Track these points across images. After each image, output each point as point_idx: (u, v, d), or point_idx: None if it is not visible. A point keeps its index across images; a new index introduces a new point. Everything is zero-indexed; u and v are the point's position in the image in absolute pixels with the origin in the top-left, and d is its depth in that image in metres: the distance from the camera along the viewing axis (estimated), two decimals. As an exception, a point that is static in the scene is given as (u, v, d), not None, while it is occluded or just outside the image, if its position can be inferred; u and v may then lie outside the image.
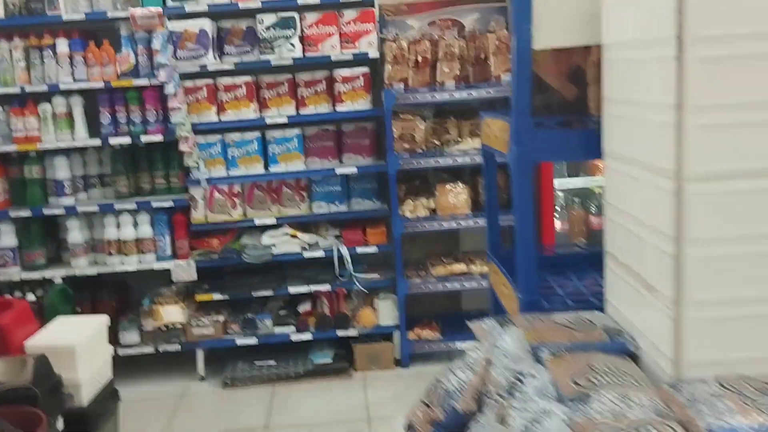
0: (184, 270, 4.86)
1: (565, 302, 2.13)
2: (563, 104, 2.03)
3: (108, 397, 3.70)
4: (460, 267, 4.94)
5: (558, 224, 4.98)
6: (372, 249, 4.98)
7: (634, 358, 1.69)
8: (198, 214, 4.93)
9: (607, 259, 1.91)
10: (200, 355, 4.92)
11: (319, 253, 4.95)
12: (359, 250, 4.96)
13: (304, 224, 5.06)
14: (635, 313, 1.73)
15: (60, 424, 3.13)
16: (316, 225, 5.11)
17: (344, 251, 4.94)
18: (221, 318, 4.94)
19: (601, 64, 1.85)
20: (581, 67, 2.01)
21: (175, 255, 4.89)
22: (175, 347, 4.86)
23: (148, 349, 4.86)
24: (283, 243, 4.97)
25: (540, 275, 2.44)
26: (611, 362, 1.57)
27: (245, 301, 5.05)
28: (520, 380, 1.47)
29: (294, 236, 5.00)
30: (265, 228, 5.01)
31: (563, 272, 2.42)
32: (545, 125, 2.01)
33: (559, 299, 2.16)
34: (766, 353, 1.50)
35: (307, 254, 4.94)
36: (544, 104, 2.02)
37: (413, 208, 4.93)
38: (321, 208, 5.05)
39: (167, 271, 4.86)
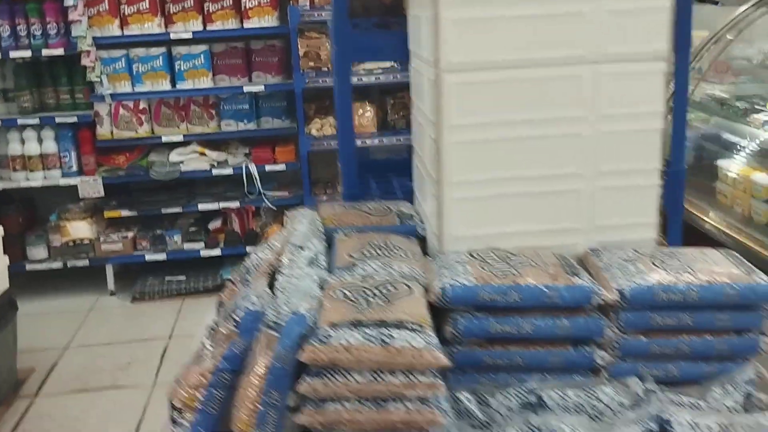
0: (91, 186, 4.90)
1: (393, 197, 2.27)
2: (383, 7, 2.13)
3: (4, 306, 3.79)
4: (365, 185, 5.08)
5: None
6: (281, 167, 5.07)
7: (423, 239, 1.86)
8: (103, 131, 4.94)
9: (413, 153, 2.06)
10: (110, 270, 5.02)
11: (228, 171, 5.03)
12: (268, 168, 5.05)
13: (213, 142, 5.12)
14: (423, 198, 1.89)
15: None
16: (226, 143, 5.17)
17: (253, 169, 5.03)
18: (130, 234, 5.02)
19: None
20: (396, -31, 2.10)
21: (81, 171, 4.92)
22: (84, 263, 4.95)
23: (57, 265, 4.93)
24: (192, 160, 5.03)
25: (386, 177, 2.59)
26: (392, 240, 1.72)
27: (156, 217, 5.13)
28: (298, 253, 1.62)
29: (202, 154, 5.06)
30: (173, 145, 5.06)
31: (409, 174, 2.56)
32: (362, 27, 2.12)
33: (388, 195, 2.30)
34: (515, 228, 1.66)
35: (215, 172, 5.02)
36: (363, 6, 2.12)
37: (320, 127, 5.01)
38: (229, 126, 5.10)
39: (74, 188, 4.90)
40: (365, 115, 5.05)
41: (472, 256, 1.59)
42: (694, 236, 3.76)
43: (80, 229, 4.94)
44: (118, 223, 5.08)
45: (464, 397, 1.47)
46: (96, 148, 4.93)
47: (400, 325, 1.31)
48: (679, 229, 2.12)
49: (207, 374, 1.35)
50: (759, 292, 1.48)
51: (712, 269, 1.53)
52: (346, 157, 2.10)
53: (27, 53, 4.73)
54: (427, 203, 1.81)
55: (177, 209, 5.07)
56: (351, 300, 1.39)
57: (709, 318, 1.50)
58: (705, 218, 3.76)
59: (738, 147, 3.94)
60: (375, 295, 1.42)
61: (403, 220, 1.86)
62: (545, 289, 1.47)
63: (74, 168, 4.91)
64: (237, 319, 1.38)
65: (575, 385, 1.48)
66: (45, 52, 4.73)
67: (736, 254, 1.61)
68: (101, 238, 4.95)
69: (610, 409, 1.44)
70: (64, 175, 4.89)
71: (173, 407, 1.37)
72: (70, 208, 4.98)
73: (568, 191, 1.65)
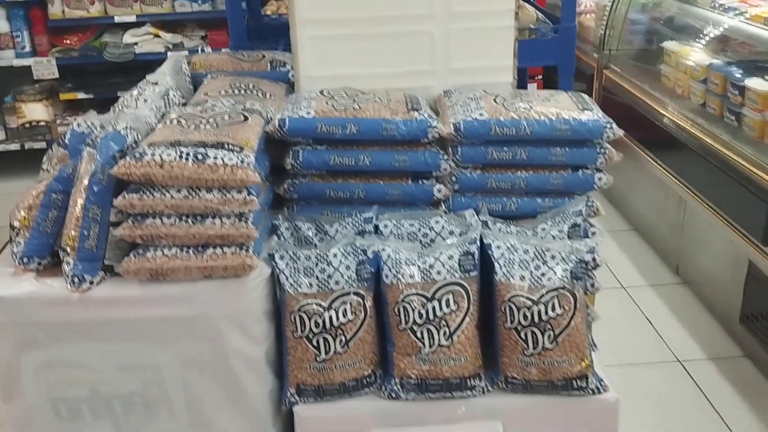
0: (45, 67, 4.85)
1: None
2: None
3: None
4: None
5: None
6: (237, 50, 5.00)
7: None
8: (55, 9, 4.84)
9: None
10: (68, 152, 5.04)
11: (184, 54, 4.95)
12: (225, 50, 4.97)
13: (167, 23, 5.02)
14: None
15: None
16: (182, 25, 5.08)
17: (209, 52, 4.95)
18: (87, 117, 5.02)
19: None
20: None
21: (34, 52, 4.86)
22: (41, 145, 4.96)
23: (14, 146, 4.96)
24: (146, 42, 4.96)
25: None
26: (258, 84, 1.73)
27: (112, 101, 5.04)
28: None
29: (157, 35, 4.98)
30: (126, 26, 4.97)
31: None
32: None
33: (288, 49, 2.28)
34: (369, 71, 1.65)
35: (171, 54, 4.95)
36: None
37: (276, 9, 4.91)
38: (183, 6, 4.98)
39: (29, 69, 4.85)
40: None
41: (322, 93, 1.61)
42: (636, 117, 3.76)
43: (36, 111, 4.93)
44: (74, 105, 5.06)
45: (304, 225, 1.53)
46: (48, 28, 4.85)
47: (218, 146, 1.34)
48: (570, 84, 2.12)
49: (40, 195, 1.40)
50: (590, 127, 1.50)
51: (551, 107, 1.54)
52: (233, 9, 2.09)
53: (-28, -73, 4.59)
54: (293, 48, 1.81)
55: (133, 92, 5.03)
56: (181, 126, 1.42)
57: (543, 153, 1.53)
58: (646, 100, 3.75)
59: (687, 29, 3.86)
60: (207, 122, 1.44)
61: (274, 67, 1.87)
62: (382, 122, 1.50)
63: (27, 48, 4.85)
64: (66, 141, 1.41)
65: (412, 216, 1.53)
66: (-10, -75, 4.58)
67: (584, 95, 1.62)
68: (58, 121, 4.95)
69: (441, 237, 1.50)
70: (17, 55, 4.84)
71: (12, 228, 1.43)
72: (25, 90, 4.96)
73: (420, 32, 1.64)
